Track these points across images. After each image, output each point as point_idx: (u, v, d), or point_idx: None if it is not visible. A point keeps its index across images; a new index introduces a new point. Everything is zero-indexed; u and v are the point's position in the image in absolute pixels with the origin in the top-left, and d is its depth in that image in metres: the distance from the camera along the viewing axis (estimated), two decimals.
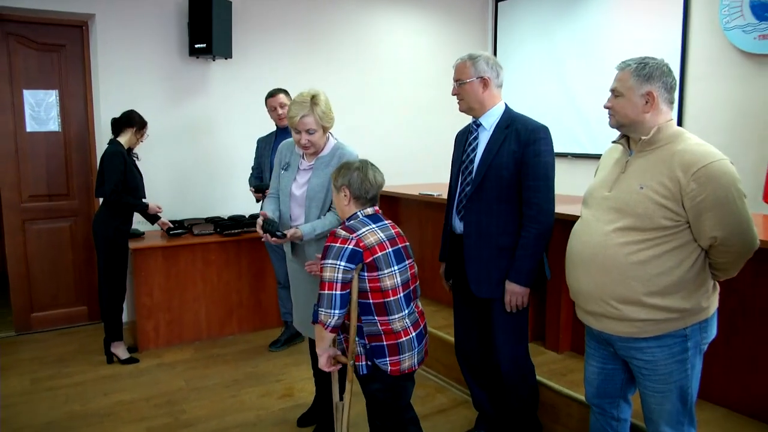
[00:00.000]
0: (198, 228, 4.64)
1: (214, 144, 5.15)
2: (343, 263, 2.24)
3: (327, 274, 2.26)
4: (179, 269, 4.45)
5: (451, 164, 2.87)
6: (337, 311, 2.25)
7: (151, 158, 4.71)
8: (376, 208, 2.45)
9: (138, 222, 4.58)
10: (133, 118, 4.08)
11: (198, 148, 5.10)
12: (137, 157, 4.19)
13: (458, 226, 2.70)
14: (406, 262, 2.39)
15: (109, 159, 3.92)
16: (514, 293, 2.57)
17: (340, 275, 2.25)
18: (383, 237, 2.33)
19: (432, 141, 6.14)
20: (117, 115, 4.21)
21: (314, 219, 2.84)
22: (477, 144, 2.63)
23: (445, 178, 3.10)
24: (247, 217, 5.05)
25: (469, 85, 2.58)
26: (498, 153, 2.54)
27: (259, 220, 2.78)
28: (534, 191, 2.51)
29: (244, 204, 5.21)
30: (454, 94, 2.65)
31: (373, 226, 2.35)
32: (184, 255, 4.46)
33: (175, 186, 5.01)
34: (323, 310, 2.26)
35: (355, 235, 2.28)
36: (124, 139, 4.06)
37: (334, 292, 2.25)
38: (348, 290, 2.29)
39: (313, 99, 2.73)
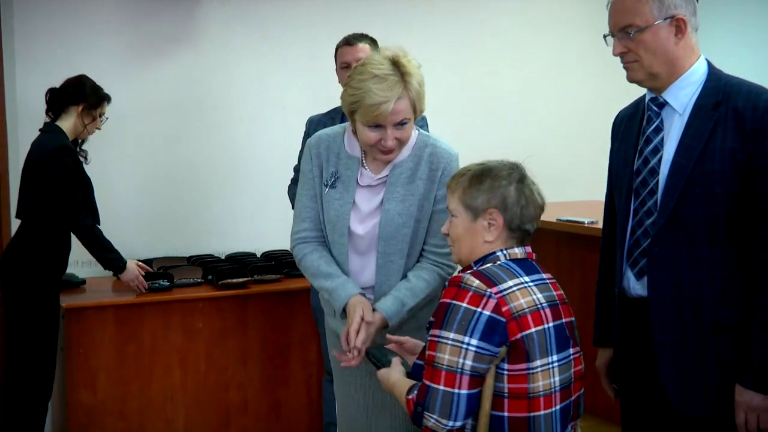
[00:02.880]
0: (177, 274, 4.69)
1: (206, 133, 5.20)
2: (474, 342, 2.24)
3: (445, 358, 2.26)
4: (142, 344, 4.44)
5: (609, 171, 2.88)
6: (458, 423, 2.27)
7: (101, 157, 4.67)
8: (528, 249, 2.50)
9: (77, 262, 4.62)
10: (82, 89, 4.14)
11: (179, 140, 5.14)
12: (85, 157, 4.27)
13: (634, 284, 2.68)
14: (571, 351, 2.42)
15: (51, 160, 3.98)
16: (753, 408, 2.47)
17: (468, 362, 2.24)
18: (542, 300, 2.36)
19: (581, 130, 6.18)
20: (49, 84, 4.25)
21: (397, 279, 2.87)
22: (662, 138, 2.62)
23: (601, 192, 3.13)
24: (258, 256, 5.09)
25: (650, 33, 2.53)
26: (704, 154, 2.50)
27: (359, 338, 2.72)
28: None
29: (256, 235, 5.26)
30: (619, 54, 2.62)
31: (526, 279, 2.37)
32: (152, 319, 4.46)
33: (139, 204, 5.05)
34: (434, 417, 2.27)
35: (495, 290, 2.28)
36: (68, 125, 4.12)
37: (455, 390, 2.25)
38: (479, 389, 2.28)
39: (399, 65, 2.74)
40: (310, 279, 2.97)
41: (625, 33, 2.54)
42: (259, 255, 5.10)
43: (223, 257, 5.04)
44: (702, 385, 2.53)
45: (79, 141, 4.23)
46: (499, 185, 2.41)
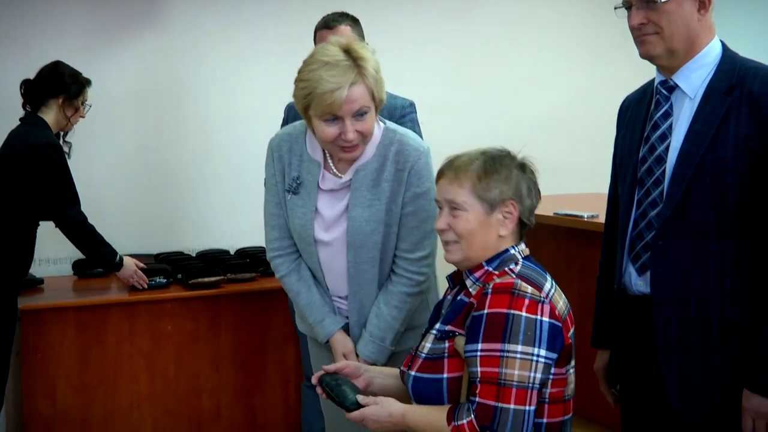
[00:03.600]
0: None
1: (175, 121, 5.24)
2: (543, 352, 2.27)
3: (515, 373, 2.25)
4: (106, 348, 4.42)
5: (613, 160, 2.91)
6: None
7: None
8: None
9: (35, 260, 4.53)
10: (61, 78, 4.16)
11: (146, 129, 5.19)
12: (68, 151, 4.31)
13: (636, 280, 2.68)
14: None
15: (36, 156, 3.99)
16: (762, 415, 2.46)
17: (538, 375, 2.27)
18: (566, 299, 2.43)
19: (577, 120, 6.24)
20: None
21: (371, 287, 2.92)
22: (671, 123, 2.63)
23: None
24: (232, 253, 5.12)
25: (675, 4, 2.52)
26: (715, 141, 2.51)
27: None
28: None
29: (230, 230, 5.29)
30: (638, 24, 2.59)
31: (549, 278, 2.43)
32: (116, 322, 4.44)
33: (101, 197, 5.02)
34: None
35: (543, 293, 2.33)
36: (50, 118, 4.16)
37: (526, 407, 2.26)
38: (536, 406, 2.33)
39: (351, 51, 2.74)
40: (292, 299, 3.06)
41: (647, 2, 2.52)
42: (232, 252, 5.11)
43: (194, 255, 5.05)
44: (707, 388, 2.53)
45: (62, 134, 4.24)
46: (510, 174, 2.41)
